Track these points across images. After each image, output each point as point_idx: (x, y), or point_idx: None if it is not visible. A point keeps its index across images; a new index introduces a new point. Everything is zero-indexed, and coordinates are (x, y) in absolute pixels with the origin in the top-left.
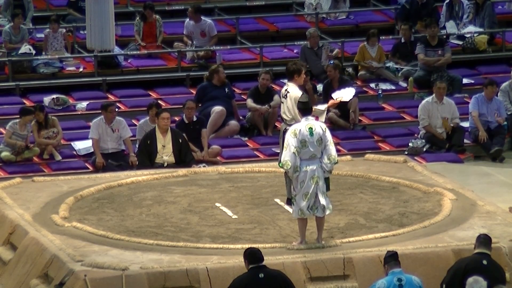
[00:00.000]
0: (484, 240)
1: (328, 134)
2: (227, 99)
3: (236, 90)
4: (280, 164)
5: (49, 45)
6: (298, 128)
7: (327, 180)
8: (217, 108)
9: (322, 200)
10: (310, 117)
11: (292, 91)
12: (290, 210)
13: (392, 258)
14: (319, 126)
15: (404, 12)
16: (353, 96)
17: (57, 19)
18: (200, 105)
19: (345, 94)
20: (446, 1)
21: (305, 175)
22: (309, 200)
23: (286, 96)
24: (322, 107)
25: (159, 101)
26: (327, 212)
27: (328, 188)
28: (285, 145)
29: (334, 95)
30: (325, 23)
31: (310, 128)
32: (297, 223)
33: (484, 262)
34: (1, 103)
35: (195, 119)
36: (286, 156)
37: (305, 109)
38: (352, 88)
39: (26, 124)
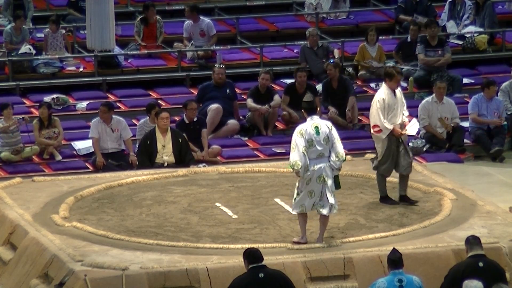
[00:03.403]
0: (474, 241)
1: (334, 132)
2: (227, 99)
3: (236, 90)
4: (290, 165)
5: (49, 45)
6: (304, 127)
7: (336, 178)
8: (213, 106)
9: (331, 199)
10: (315, 116)
11: (378, 91)
12: (290, 209)
13: (395, 260)
14: (325, 124)
15: (400, 12)
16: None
17: (56, 20)
18: (201, 105)
19: (411, 128)
20: (449, 0)
21: (312, 174)
22: (313, 198)
23: None
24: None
25: (159, 101)
26: (334, 211)
27: (338, 186)
28: (292, 146)
29: (404, 131)
30: (325, 23)
31: (316, 127)
32: (297, 223)
33: (480, 264)
34: (1, 103)
35: (195, 119)
36: (296, 156)
37: (309, 108)
38: (416, 121)
39: (9, 117)
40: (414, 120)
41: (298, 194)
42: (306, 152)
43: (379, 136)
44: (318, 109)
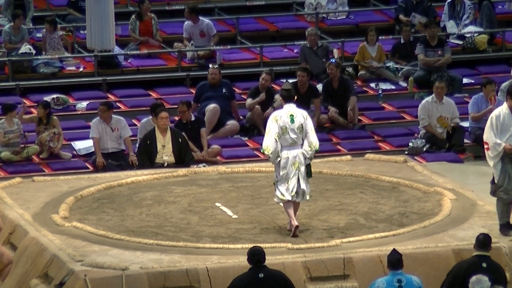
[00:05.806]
0: (483, 240)
1: (309, 121)
2: (224, 99)
3: (236, 90)
4: (262, 150)
5: (47, 45)
6: (279, 114)
7: (308, 167)
8: (210, 106)
9: (303, 185)
10: (292, 104)
11: (497, 108)
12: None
13: (394, 262)
14: (300, 114)
15: (400, 11)
16: None
17: (52, 21)
18: (199, 104)
19: None
20: (448, 1)
21: (287, 161)
22: (290, 185)
23: None
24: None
25: (159, 101)
26: (307, 197)
27: (310, 175)
28: (266, 130)
29: None
30: (325, 23)
31: (291, 115)
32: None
33: (484, 265)
34: (1, 103)
35: (193, 118)
36: (268, 141)
37: (288, 96)
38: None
39: (12, 119)
40: None
41: (275, 183)
42: (278, 138)
43: (488, 154)
44: (295, 97)
